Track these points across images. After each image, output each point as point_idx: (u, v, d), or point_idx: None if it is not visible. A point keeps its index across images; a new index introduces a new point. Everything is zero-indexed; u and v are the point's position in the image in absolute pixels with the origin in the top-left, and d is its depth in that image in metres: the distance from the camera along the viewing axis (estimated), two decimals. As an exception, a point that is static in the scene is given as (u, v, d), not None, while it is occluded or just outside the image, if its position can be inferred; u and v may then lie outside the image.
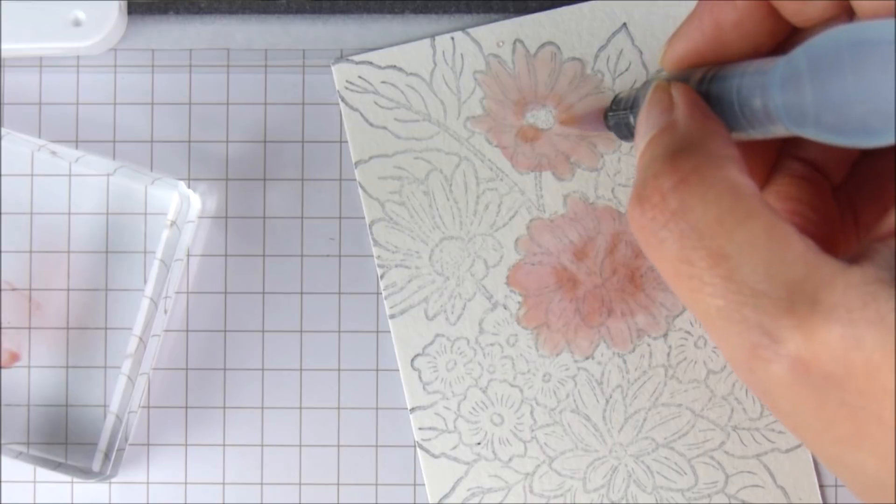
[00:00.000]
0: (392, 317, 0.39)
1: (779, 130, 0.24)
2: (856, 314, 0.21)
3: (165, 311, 0.39)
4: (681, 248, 0.23)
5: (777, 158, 0.29)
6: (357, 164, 0.40)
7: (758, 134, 0.25)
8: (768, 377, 0.22)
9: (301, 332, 0.40)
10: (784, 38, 0.28)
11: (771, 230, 0.23)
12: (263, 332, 0.40)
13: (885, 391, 0.21)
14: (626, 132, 0.33)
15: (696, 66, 0.28)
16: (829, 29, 0.22)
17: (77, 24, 0.39)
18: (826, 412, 0.22)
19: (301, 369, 0.40)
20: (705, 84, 0.27)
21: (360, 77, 0.40)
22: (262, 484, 0.40)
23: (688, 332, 0.39)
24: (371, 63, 0.40)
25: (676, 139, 0.25)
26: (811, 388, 0.22)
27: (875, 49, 0.21)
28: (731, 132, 0.26)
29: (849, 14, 0.26)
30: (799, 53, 0.23)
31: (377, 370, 0.40)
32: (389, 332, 0.40)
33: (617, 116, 0.33)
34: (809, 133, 0.23)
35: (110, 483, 0.40)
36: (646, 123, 0.27)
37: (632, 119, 0.32)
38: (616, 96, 0.33)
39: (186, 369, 0.40)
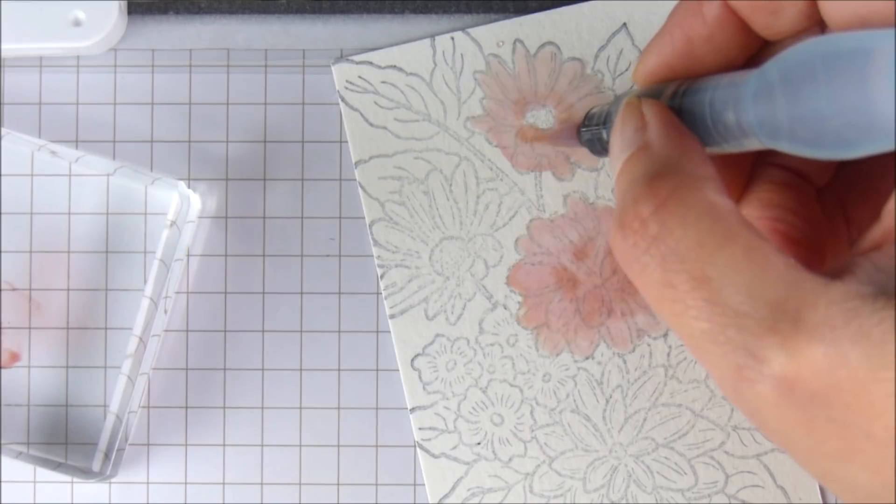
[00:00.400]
0: (392, 317, 0.39)
1: (753, 144, 0.24)
2: (839, 331, 0.21)
3: (165, 311, 0.39)
4: (663, 273, 0.23)
5: (756, 166, 0.29)
6: (357, 164, 0.40)
7: (732, 148, 0.25)
8: (755, 397, 0.22)
9: (301, 332, 0.40)
10: (755, 51, 0.28)
11: (751, 250, 0.23)
12: (263, 332, 0.40)
13: (873, 406, 0.21)
14: (600, 147, 0.32)
15: (667, 81, 0.28)
16: (802, 41, 0.22)
17: (77, 24, 0.39)
18: (815, 430, 0.22)
19: (301, 369, 0.40)
20: (678, 98, 0.27)
21: (360, 77, 0.40)
22: (262, 484, 0.40)
23: (688, 332, 0.39)
24: (371, 63, 0.40)
25: (653, 161, 0.25)
26: (798, 406, 0.22)
27: (848, 61, 0.21)
28: (704, 147, 0.26)
29: (820, 26, 0.26)
30: (771, 66, 0.23)
31: (377, 370, 0.40)
32: (389, 332, 0.40)
33: (590, 132, 0.32)
34: (784, 146, 0.23)
35: (110, 483, 0.40)
36: (620, 143, 0.27)
37: (605, 134, 0.31)
38: (589, 112, 0.33)
39: (186, 369, 0.40)
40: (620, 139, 0.27)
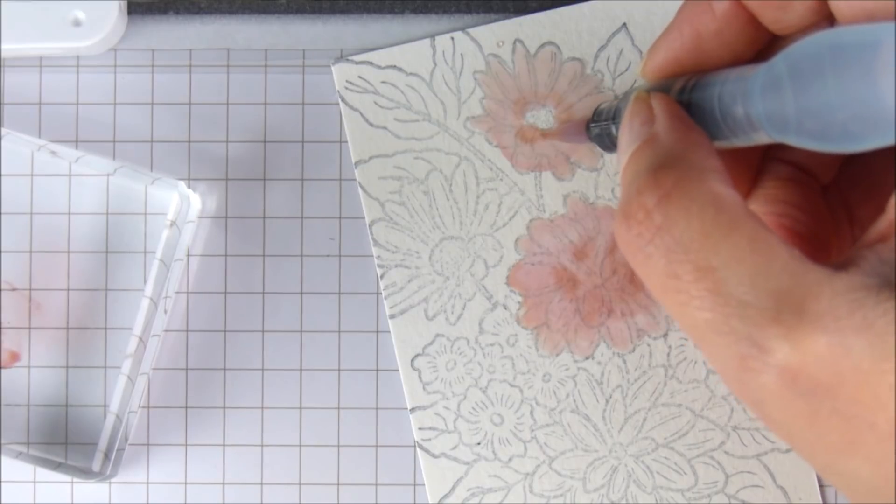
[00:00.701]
0: (392, 317, 0.39)
1: (761, 138, 0.24)
2: (843, 322, 0.21)
3: (165, 311, 0.39)
4: (667, 263, 0.24)
5: (763, 162, 0.29)
6: (357, 164, 0.40)
7: (740, 142, 0.25)
8: (759, 388, 0.22)
9: (301, 332, 0.40)
10: (764, 46, 0.28)
11: (755, 241, 0.23)
12: (263, 332, 0.40)
13: (876, 398, 0.21)
14: (609, 143, 0.32)
15: (676, 76, 0.28)
16: (810, 35, 0.22)
17: (77, 24, 0.39)
18: (817, 421, 0.22)
19: (301, 369, 0.40)
20: (686, 93, 0.27)
21: (360, 77, 0.40)
22: (262, 484, 0.40)
23: (688, 332, 0.39)
24: (371, 63, 0.40)
25: (658, 153, 0.25)
26: (801, 397, 0.22)
27: (855, 54, 0.21)
28: (713, 141, 0.26)
29: (829, 21, 0.26)
30: (779, 60, 0.23)
31: (377, 370, 0.40)
32: (389, 332, 0.40)
33: (599, 128, 0.33)
34: (791, 140, 0.23)
35: (110, 483, 0.40)
36: (627, 136, 0.27)
37: (614, 130, 0.31)
38: (598, 107, 0.33)
39: (186, 369, 0.40)
40: (628, 132, 0.27)
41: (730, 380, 0.23)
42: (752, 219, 0.23)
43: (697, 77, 0.27)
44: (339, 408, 0.40)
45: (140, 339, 0.38)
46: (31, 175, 0.40)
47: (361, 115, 0.40)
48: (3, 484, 0.40)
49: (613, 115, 0.31)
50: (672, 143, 0.25)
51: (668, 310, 0.24)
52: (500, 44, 0.40)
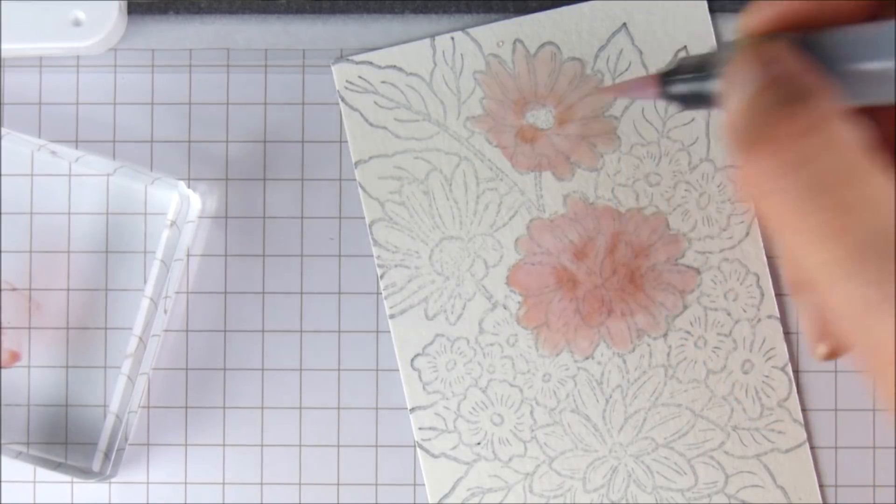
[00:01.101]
0: (392, 317, 0.39)
1: (885, 95, 0.24)
2: None
3: (165, 311, 0.39)
4: (799, 200, 0.23)
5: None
6: (357, 164, 0.40)
7: (859, 100, 0.25)
8: (882, 334, 0.22)
9: (301, 332, 0.40)
10: (875, 10, 0.27)
11: (890, 188, 0.22)
12: (263, 332, 0.40)
13: None
14: (692, 99, 0.31)
15: (785, 30, 0.27)
16: None
17: (77, 24, 0.39)
18: None
19: (301, 369, 0.40)
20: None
21: (360, 77, 0.40)
22: (262, 484, 0.40)
23: (688, 332, 0.39)
24: (371, 63, 0.40)
25: (791, 91, 0.25)
26: None
27: None
28: None
29: None
30: None
31: (377, 370, 0.40)
32: (389, 332, 0.40)
33: (685, 82, 0.31)
34: None
35: (110, 483, 0.40)
36: (745, 76, 0.26)
37: (701, 85, 0.30)
38: (681, 61, 0.32)
39: (186, 369, 0.40)
40: (746, 74, 0.26)
41: (849, 324, 0.23)
42: (886, 168, 0.23)
43: (806, 32, 0.26)
44: (339, 408, 0.40)
45: (140, 339, 0.38)
46: (31, 175, 0.40)
47: (361, 115, 0.40)
48: (3, 484, 0.40)
49: (703, 69, 0.30)
50: (804, 83, 0.25)
51: (792, 246, 0.24)
52: (500, 44, 0.40)
